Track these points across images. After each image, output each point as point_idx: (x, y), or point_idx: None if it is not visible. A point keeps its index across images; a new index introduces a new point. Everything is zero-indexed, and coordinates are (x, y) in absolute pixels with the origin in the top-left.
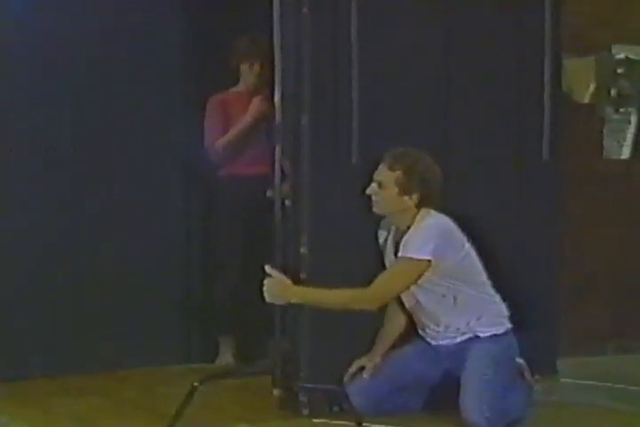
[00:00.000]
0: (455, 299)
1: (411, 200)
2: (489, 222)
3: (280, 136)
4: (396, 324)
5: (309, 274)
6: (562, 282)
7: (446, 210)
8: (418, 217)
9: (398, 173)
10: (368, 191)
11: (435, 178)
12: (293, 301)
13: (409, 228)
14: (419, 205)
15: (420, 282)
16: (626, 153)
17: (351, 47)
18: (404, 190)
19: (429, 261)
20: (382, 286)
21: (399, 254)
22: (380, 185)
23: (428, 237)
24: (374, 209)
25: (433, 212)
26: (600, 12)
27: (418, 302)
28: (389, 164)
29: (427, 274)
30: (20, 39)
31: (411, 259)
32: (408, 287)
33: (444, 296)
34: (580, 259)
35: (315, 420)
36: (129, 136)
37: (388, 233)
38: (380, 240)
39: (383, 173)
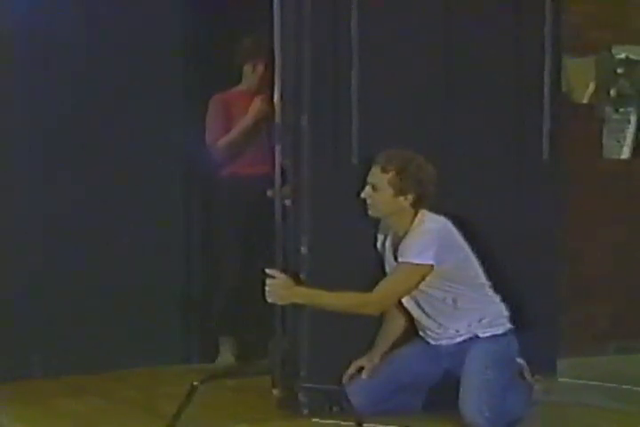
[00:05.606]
0: (455, 302)
1: (406, 201)
2: (489, 222)
3: (280, 136)
4: (395, 324)
5: (309, 274)
6: (562, 282)
7: (446, 210)
8: (416, 220)
9: (391, 174)
10: (363, 195)
11: (428, 177)
12: (296, 302)
13: (407, 231)
14: (414, 206)
15: (419, 286)
16: (626, 153)
17: (351, 47)
18: (399, 191)
19: (432, 265)
20: (385, 291)
21: (400, 259)
22: (374, 188)
23: (429, 241)
24: (370, 213)
25: (430, 214)
26: (600, 12)
27: (418, 304)
28: (382, 165)
29: (427, 278)
30: (20, 39)
31: (413, 264)
32: (410, 292)
33: (443, 299)
34: (580, 259)
35: (315, 420)
36: (130, 136)
37: (385, 237)
38: (378, 244)
39: (376, 175)
